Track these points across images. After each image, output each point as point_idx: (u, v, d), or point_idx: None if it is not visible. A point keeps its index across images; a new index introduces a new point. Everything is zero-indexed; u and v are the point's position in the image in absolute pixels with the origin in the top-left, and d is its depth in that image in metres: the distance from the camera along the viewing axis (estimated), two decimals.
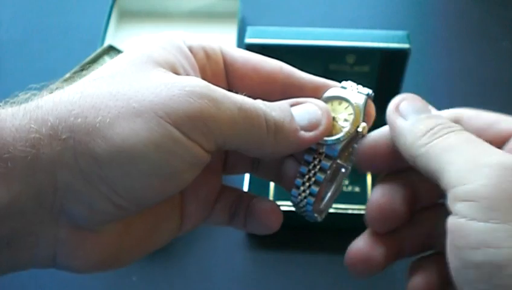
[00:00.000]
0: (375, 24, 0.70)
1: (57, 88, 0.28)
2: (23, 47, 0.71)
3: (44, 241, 0.27)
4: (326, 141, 0.31)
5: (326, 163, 0.31)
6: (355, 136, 0.32)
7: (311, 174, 0.32)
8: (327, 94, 0.33)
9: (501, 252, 0.23)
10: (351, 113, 0.32)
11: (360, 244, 0.33)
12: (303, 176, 0.32)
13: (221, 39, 0.69)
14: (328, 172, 0.32)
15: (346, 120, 0.32)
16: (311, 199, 0.32)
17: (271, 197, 0.55)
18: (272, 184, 0.56)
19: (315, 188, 0.32)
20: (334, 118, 0.32)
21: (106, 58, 0.61)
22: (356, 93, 0.32)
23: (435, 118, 0.30)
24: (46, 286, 0.53)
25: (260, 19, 0.72)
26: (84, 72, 0.30)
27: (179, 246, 0.54)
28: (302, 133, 0.30)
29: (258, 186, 0.55)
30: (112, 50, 0.61)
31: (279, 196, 0.55)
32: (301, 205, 0.32)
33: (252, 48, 0.51)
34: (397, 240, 0.33)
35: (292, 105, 0.31)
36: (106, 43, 0.63)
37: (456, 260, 0.25)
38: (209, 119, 0.27)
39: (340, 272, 0.53)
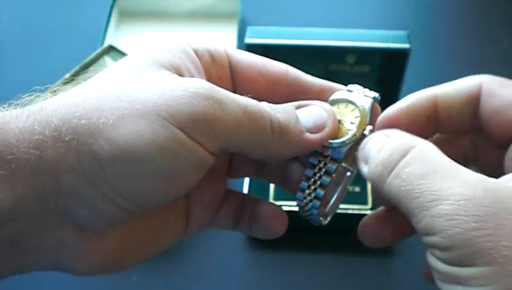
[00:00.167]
0: (375, 24, 0.70)
1: (60, 90, 0.28)
2: (23, 47, 0.71)
3: (48, 244, 0.27)
4: (331, 143, 0.31)
5: (332, 166, 0.31)
6: (361, 139, 0.31)
7: (316, 177, 0.31)
8: (333, 97, 0.33)
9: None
10: (357, 116, 0.32)
11: (369, 221, 0.34)
12: (308, 179, 0.32)
13: (221, 39, 0.69)
14: (334, 175, 0.31)
15: (352, 123, 0.32)
16: (317, 203, 0.32)
17: (271, 199, 0.55)
18: (271, 185, 0.56)
19: (320, 192, 0.31)
20: (340, 121, 0.32)
21: (106, 58, 0.61)
22: (363, 96, 0.32)
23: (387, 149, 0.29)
24: (46, 286, 0.52)
25: (260, 19, 0.72)
26: (86, 74, 0.30)
27: (179, 246, 0.54)
28: (308, 135, 0.30)
29: (258, 187, 0.55)
30: (112, 50, 0.61)
31: (278, 197, 0.55)
32: (306, 208, 0.32)
33: (252, 48, 0.51)
34: (405, 220, 0.33)
35: (297, 107, 0.31)
36: (106, 43, 0.63)
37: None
38: (213, 121, 0.27)
39: (340, 272, 0.53)
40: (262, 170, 0.36)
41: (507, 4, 0.74)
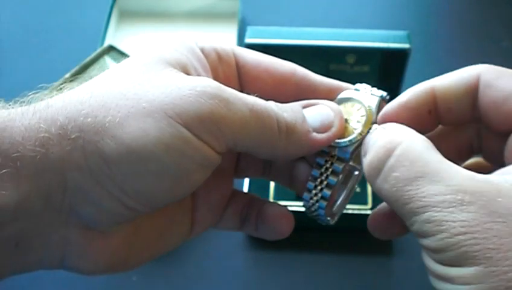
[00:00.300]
0: (375, 24, 0.70)
1: (66, 87, 0.28)
2: (23, 47, 0.71)
3: (53, 243, 0.27)
4: (338, 143, 0.31)
5: (339, 166, 0.31)
6: None
7: (323, 178, 0.31)
8: (340, 96, 0.32)
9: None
10: (363, 115, 0.31)
11: (377, 216, 0.33)
12: (315, 179, 0.31)
13: (221, 39, 0.69)
14: (341, 175, 0.31)
15: (358, 122, 0.31)
16: (323, 203, 0.31)
17: (271, 199, 0.55)
18: (271, 186, 0.56)
19: (327, 192, 0.31)
20: (346, 120, 0.31)
21: (106, 58, 0.61)
22: (369, 95, 0.32)
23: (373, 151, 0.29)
24: (46, 286, 0.52)
25: (260, 19, 0.72)
26: (86, 74, 0.30)
27: (179, 246, 0.54)
28: (314, 135, 0.30)
29: (258, 188, 0.55)
30: (112, 50, 0.61)
31: (278, 197, 0.55)
32: (313, 208, 0.32)
33: (252, 48, 0.51)
34: None
35: (304, 106, 0.31)
36: (106, 43, 0.63)
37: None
38: (219, 120, 0.27)
39: (340, 272, 0.53)
40: (269, 169, 0.36)
41: (507, 4, 0.74)
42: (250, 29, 0.52)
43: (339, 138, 0.31)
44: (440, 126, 0.32)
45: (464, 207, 0.24)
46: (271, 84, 0.32)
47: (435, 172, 0.26)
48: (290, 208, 0.34)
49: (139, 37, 0.70)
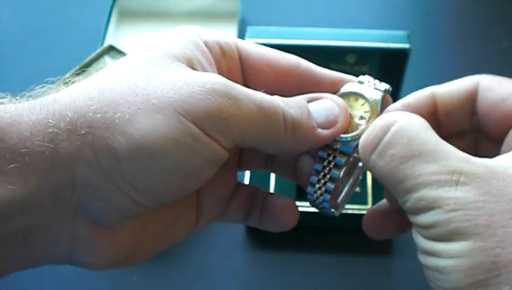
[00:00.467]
0: (375, 24, 0.70)
1: (72, 81, 0.28)
2: (23, 47, 0.71)
3: (61, 237, 0.27)
4: (341, 138, 0.31)
5: (341, 159, 0.31)
6: None
7: (326, 171, 0.31)
8: (344, 89, 0.32)
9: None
10: (367, 111, 0.31)
11: (373, 214, 0.34)
12: (318, 173, 0.32)
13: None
14: (344, 168, 0.31)
15: (362, 117, 0.31)
16: (327, 196, 0.32)
17: (271, 191, 0.55)
18: (272, 180, 0.56)
19: (331, 185, 0.31)
20: (350, 115, 0.32)
21: (106, 58, 0.61)
22: (373, 89, 0.32)
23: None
24: (47, 286, 0.52)
25: (260, 19, 0.72)
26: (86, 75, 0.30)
27: (178, 246, 0.54)
28: (319, 131, 0.30)
29: (258, 181, 0.55)
30: (112, 50, 0.61)
31: (279, 191, 0.55)
32: (318, 202, 0.32)
33: None
34: None
35: (309, 100, 0.31)
36: (106, 43, 0.63)
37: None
38: (228, 117, 0.27)
39: (340, 272, 0.53)
40: (272, 162, 0.36)
41: (507, 4, 0.74)
42: (250, 29, 0.52)
43: (343, 133, 0.31)
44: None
45: (459, 187, 0.25)
46: (274, 77, 0.32)
47: (432, 152, 0.26)
48: None
49: (139, 37, 0.70)
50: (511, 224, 0.24)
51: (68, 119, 0.26)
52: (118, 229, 0.29)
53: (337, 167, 0.31)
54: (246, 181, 0.55)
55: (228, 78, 0.28)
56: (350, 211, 0.53)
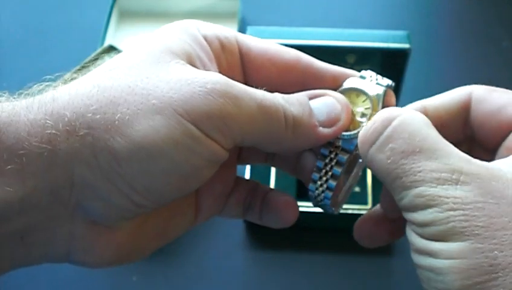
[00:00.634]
0: (375, 24, 0.70)
1: (70, 78, 0.28)
2: (23, 47, 0.71)
3: (59, 237, 0.27)
4: (343, 135, 0.31)
5: (343, 156, 0.31)
6: None
7: (327, 168, 0.31)
8: (345, 85, 0.32)
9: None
10: (369, 108, 0.31)
11: (364, 222, 0.34)
12: (320, 170, 0.32)
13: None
14: (345, 165, 0.31)
15: (364, 114, 0.31)
16: (329, 193, 0.32)
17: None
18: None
19: (332, 182, 0.31)
20: (352, 112, 0.31)
21: (106, 58, 0.60)
22: (375, 85, 0.32)
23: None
24: (45, 285, 0.52)
25: (260, 19, 0.72)
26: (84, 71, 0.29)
27: (178, 246, 0.54)
28: (321, 129, 0.30)
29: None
30: (112, 50, 0.61)
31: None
32: (319, 199, 0.32)
33: None
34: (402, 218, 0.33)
35: (311, 97, 0.30)
36: (106, 43, 0.63)
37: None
38: (228, 118, 0.27)
39: (340, 272, 0.53)
40: (273, 157, 0.35)
41: (507, 4, 0.74)
42: (250, 29, 0.52)
43: (344, 130, 0.31)
44: None
45: (459, 186, 0.25)
46: (275, 72, 0.32)
47: (433, 149, 0.26)
48: None
49: (139, 37, 0.70)
50: (511, 227, 0.24)
51: (66, 119, 0.26)
52: (116, 229, 0.29)
53: (339, 164, 0.31)
54: (247, 176, 0.55)
55: (228, 73, 0.28)
56: (350, 211, 0.53)
